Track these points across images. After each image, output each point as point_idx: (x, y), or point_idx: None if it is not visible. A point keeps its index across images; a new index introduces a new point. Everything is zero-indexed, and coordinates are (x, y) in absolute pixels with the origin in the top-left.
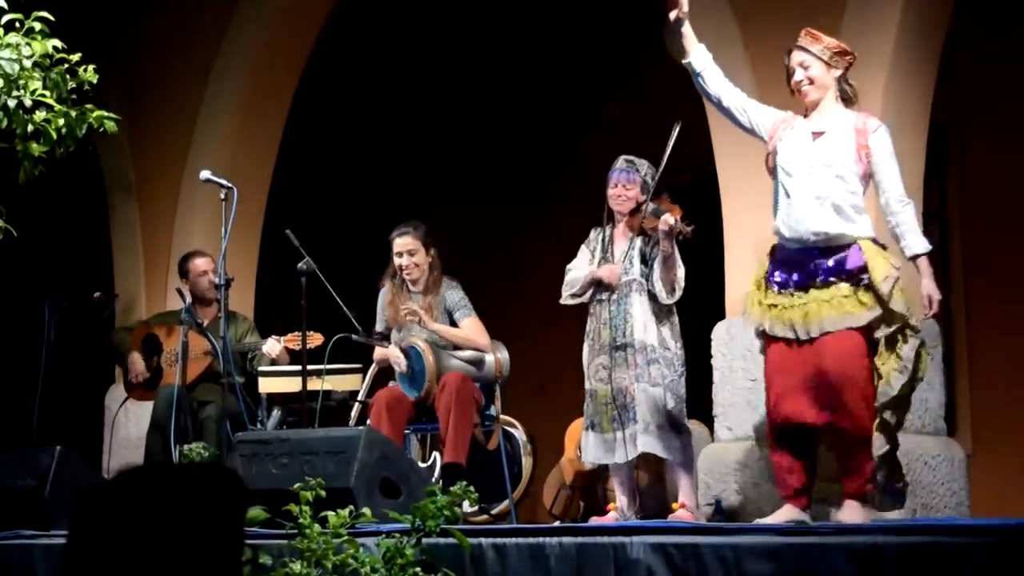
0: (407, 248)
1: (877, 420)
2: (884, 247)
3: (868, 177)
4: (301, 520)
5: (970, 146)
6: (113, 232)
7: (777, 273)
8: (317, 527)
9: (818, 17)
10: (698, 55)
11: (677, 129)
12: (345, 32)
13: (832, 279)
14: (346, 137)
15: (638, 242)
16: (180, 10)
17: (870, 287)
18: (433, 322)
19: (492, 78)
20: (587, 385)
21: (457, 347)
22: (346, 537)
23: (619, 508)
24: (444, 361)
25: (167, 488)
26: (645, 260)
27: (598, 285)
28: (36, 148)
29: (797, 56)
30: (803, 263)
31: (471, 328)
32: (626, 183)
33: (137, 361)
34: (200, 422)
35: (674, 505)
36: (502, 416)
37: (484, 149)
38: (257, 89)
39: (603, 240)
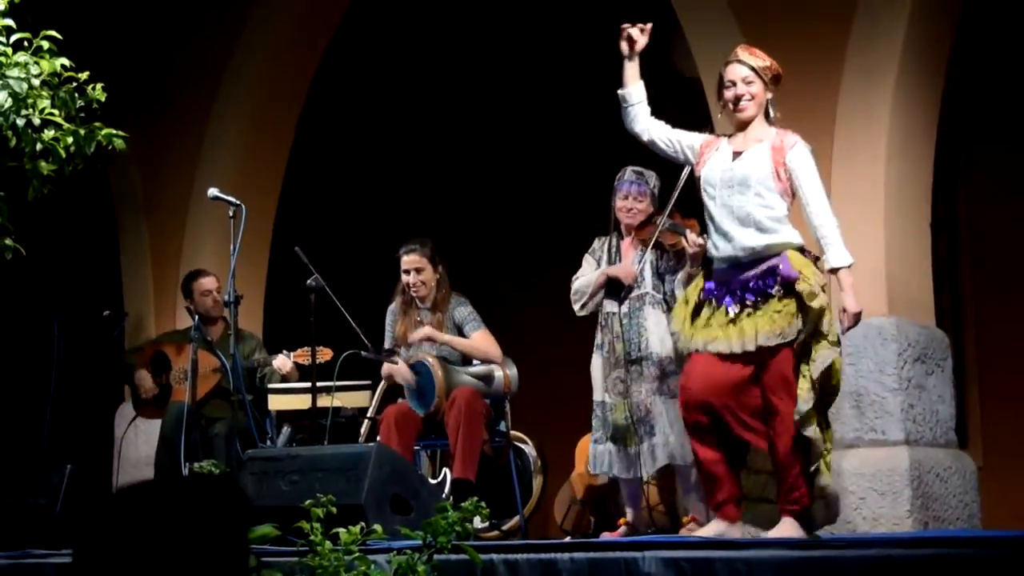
0: (414, 265)
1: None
2: (813, 256)
3: (790, 194)
4: (312, 537)
5: (978, 156)
6: (122, 250)
7: (712, 289)
8: (328, 544)
9: (825, 32)
10: (638, 88)
11: (687, 173)
12: (353, 48)
13: (765, 293)
14: (354, 153)
15: (649, 255)
16: (188, 29)
17: (799, 299)
18: (444, 335)
19: (500, 93)
20: (599, 397)
21: (467, 362)
22: (357, 554)
23: (628, 522)
24: (454, 377)
25: (167, 501)
26: (659, 274)
27: (608, 291)
28: (45, 166)
29: (740, 70)
30: (736, 278)
31: (482, 340)
32: (637, 195)
33: (145, 378)
34: (209, 439)
35: (684, 520)
36: (512, 432)
37: (493, 163)
38: (264, 107)
39: (610, 251)
